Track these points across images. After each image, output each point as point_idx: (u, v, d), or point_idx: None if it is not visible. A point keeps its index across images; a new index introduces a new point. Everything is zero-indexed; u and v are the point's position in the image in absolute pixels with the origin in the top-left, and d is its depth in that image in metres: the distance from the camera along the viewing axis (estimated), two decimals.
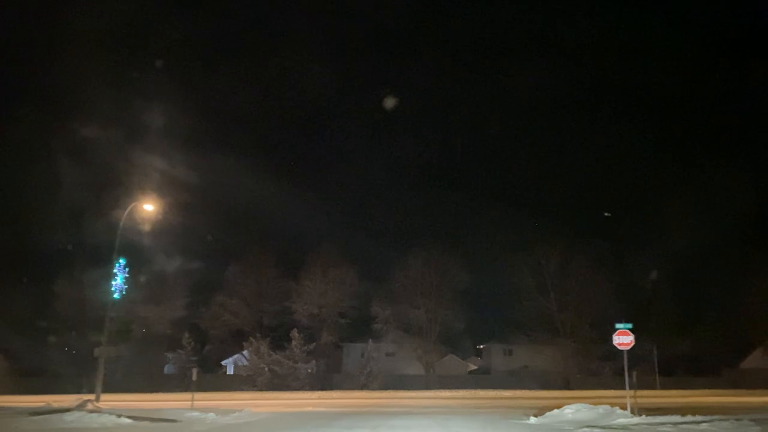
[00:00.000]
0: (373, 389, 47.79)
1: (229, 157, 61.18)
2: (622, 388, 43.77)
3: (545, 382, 48.28)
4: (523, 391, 42.04)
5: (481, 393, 40.57)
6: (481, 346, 65.92)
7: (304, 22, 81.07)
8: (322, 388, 48.53)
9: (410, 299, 51.72)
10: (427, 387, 49.57)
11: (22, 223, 47.53)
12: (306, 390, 46.86)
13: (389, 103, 52.03)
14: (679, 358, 55.20)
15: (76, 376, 37.89)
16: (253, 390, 46.72)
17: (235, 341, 50.59)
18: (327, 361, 51.88)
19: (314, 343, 49.37)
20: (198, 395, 40.13)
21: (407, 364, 53.31)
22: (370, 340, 50.47)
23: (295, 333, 48.78)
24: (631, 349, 19.65)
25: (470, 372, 61.84)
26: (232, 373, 55.11)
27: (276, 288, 51.77)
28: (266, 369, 48.52)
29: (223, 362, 56.40)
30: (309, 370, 50.15)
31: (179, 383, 47.86)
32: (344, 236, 77.65)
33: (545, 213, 78.64)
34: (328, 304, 51.09)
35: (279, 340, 50.22)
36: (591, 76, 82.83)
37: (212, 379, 49.55)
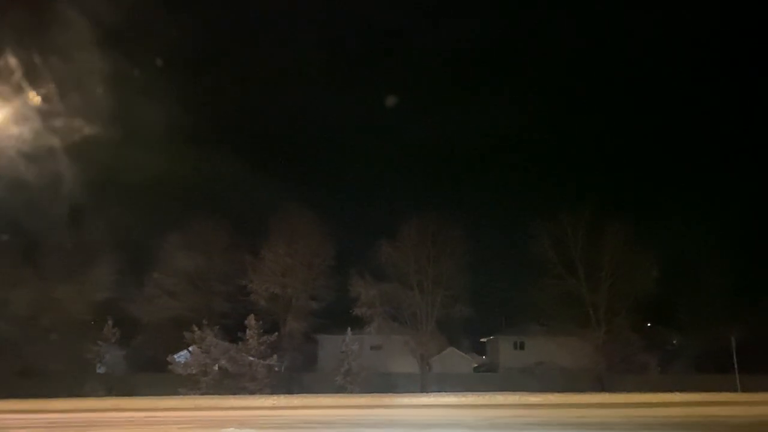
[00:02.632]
0: (353, 391, 37.22)
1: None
2: (678, 388, 33.81)
3: (570, 382, 38.37)
4: (554, 394, 31.43)
5: (500, 398, 29.71)
6: (485, 339, 54.70)
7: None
8: (289, 391, 37.64)
9: (401, 277, 40.82)
10: (423, 388, 39.16)
11: None
12: (266, 393, 36.01)
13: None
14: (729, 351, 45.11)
15: None
16: (195, 393, 35.76)
17: (176, 331, 39.06)
18: (294, 356, 40.76)
19: (276, 333, 38.25)
20: (97, 403, 29.62)
21: (397, 360, 42.71)
22: (349, 330, 39.42)
23: (251, 320, 37.74)
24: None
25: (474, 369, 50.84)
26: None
27: (228, 262, 40.51)
28: (214, 366, 37.49)
29: (173, 358, 44.82)
30: (276, 369, 39.17)
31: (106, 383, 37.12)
32: (318, 199, 64.04)
33: (570, 172, 66.32)
34: (294, 284, 40.04)
35: (232, 329, 39.23)
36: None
37: (144, 380, 38.36)
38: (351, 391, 37.40)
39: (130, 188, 40.58)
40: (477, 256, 42.14)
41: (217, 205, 44.73)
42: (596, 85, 69.53)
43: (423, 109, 68.53)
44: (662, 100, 69.30)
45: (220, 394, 35.42)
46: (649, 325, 47.94)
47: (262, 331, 37.84)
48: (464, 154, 71.73)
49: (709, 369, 42.80)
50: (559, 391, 33.73)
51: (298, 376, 40.82)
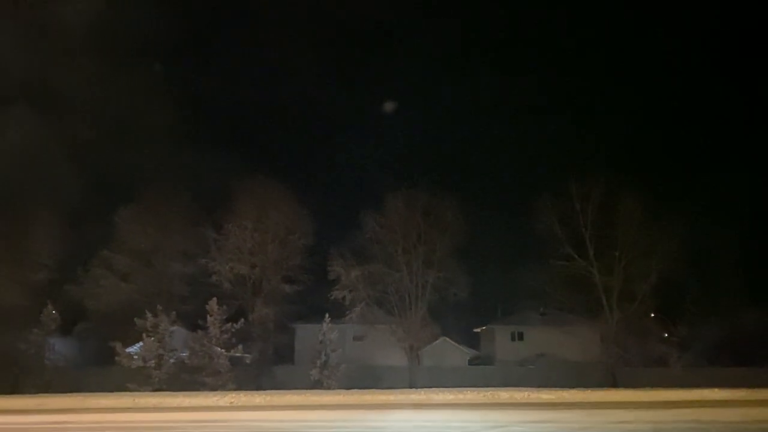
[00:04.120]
0: (331, 387, 32.37)
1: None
2: (706, 384, 29.14)
3: (576, 377, 34.03)
4: (569, 391, 26.73)
5: (504, 395, 24.96)
6: (479, 329, 49.76)
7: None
8: (258, 387, 32.58)
9: (388, 257, 35.85)
10: (412, 383, 34.40)
11: None
12: (230, 389, 30.99)
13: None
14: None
15: None
16: (146, 389, 30.64)
17: (127, 317, 33.64)
18: (265, 347, 35.67)
19: (242, 320, 33.07)
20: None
21: (383, 352, 37.85)
22: (327, 316, 34.34)
23: (213, 304, 32.55)
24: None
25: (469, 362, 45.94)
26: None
27: (186, 239, 35.27)
28: (170, 358, 32.33)
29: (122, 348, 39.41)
30: (247, 362, 34.08)
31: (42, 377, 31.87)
32: (294, 169, 58.17)
33: (579, 137, 61.15)
34: (264, 263, 34.90)
35: (191, 316, 34.03)
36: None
37: (87, 374, 33.11)
38: (328, 387, 32.49)
39: (77, 154, 35.55)
40: (473, 234, 37.38)
41: (175, 173, 39.35)
42: (613, 54, 64.92)
43: (416, 79, 63.45)
44: (686, 75, 64.68)
45: (175, 390, 30.38)
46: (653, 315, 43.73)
47: (225, 317, 32.66)
48: (459, 119, 66.47)
49: (736, 362, 38.49)
50: (562, 387, 28.98)
51: (269, 369, 35.74)
